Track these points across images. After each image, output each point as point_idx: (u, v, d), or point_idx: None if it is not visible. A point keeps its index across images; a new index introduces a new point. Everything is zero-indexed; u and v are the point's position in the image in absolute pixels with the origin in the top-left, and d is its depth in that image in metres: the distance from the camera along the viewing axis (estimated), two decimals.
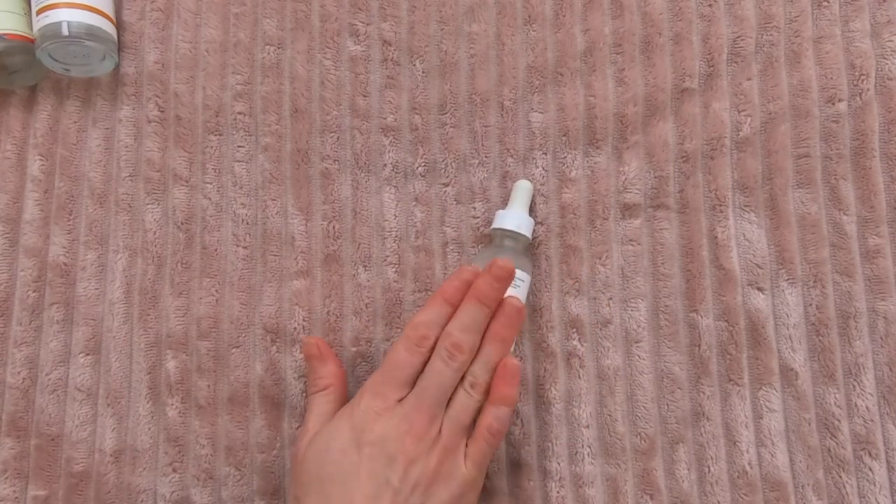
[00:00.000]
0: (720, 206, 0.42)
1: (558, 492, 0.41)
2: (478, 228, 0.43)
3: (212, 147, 0.46)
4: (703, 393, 0.41)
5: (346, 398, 0.39)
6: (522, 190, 0.42)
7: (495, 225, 0.41)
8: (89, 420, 0.44)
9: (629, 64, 0.43)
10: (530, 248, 0.43)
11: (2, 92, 0.47)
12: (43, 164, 0.46)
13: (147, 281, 0.45)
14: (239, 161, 0.45)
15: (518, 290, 0.40)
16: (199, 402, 0.44)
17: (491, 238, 0.42)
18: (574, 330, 0.42)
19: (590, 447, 0.41)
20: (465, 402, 0.36)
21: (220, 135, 0.46)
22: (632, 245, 0.42)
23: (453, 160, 0.44)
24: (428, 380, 0.36)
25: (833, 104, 0.41)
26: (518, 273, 0.40)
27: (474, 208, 0.44)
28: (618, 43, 0.44)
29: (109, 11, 0.45)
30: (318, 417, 0.38)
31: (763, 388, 0.40)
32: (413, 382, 0.37)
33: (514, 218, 0.41)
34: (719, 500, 0.40)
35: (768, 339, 0.40)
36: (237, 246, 0.45)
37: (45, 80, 0.47)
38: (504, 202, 0.43)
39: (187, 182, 0.46)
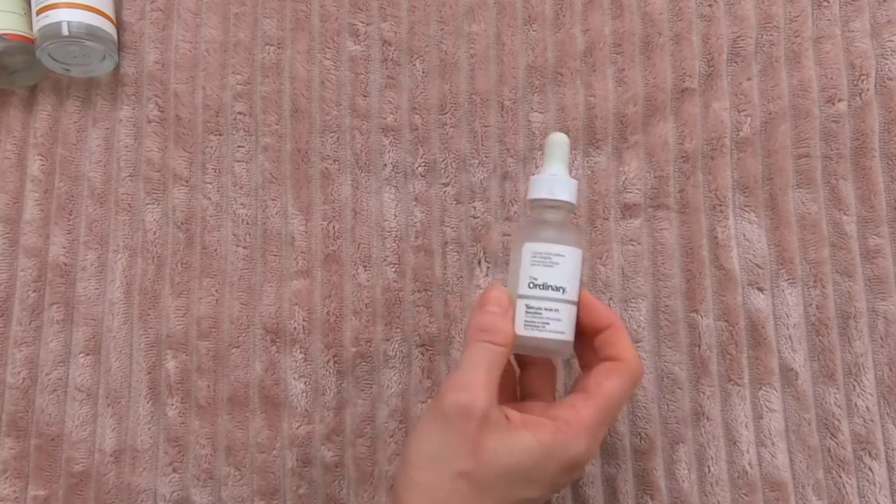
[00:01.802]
0: (720, 206, 0.42)
1: (558, 492, 0.41)
2: (478, 228, 0.43)
3: (212, 147, 0.46)
4: (703, 393, 0.41)
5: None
6: (556, 146, 0.34)
7: (529, 195, 0.35)
8: (89, 420, 0.44)
9: (629, 64, 0.43)
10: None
11: (2, 92, 0.47)
12: (43, 164, 0.46)
13: (147, 281, 0.45)
14: (239, 161, 0.45)
15: (559, 268, 0.33)
16: (199, 402, 0.44)
17: (529, 210, 0.36)
18: None
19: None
20: None
21: (220, 135, 0.46)
22: (632, 245, 0.42)
23: (453, 160, 0.44)
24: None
25: (833, 104, 0.41)
26: (553, 249, 0.33)
27: (474, 208, 0.44)
28: (618, 43, 0.44)
29: (109, 11, 0.45)
30: (488, 373, 0.31)
31: (763, 388, 0.40)
32: None
33: (548, 183, 0.34)
34: (719, 500, 0.40)
35: (768, 339, 0.40)
36: (237, 246, 0.45)
37: (45, 80, 0.47)
38: (503, 202, 0.43)
39: (187, 182, 0.46)
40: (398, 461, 0.32)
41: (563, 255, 0.33)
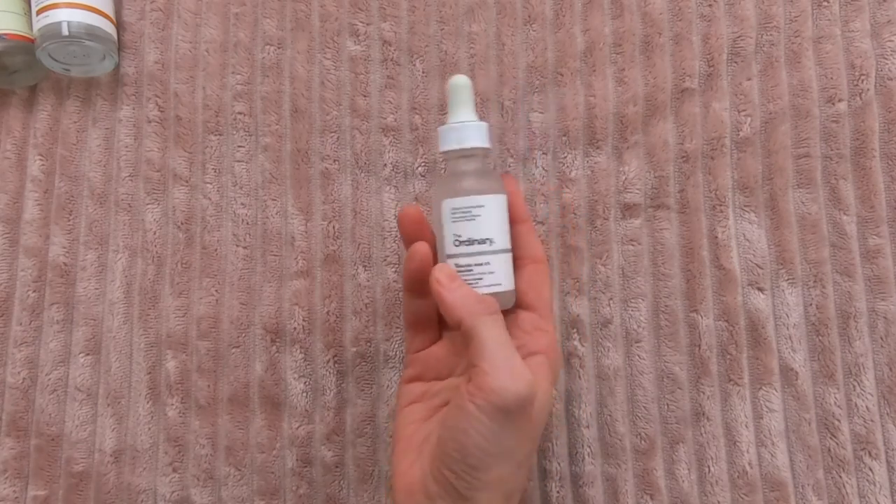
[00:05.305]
0: (720, 206, 0.42)
1: (558, 492, 0.41)
2: None
3: (212, 147, 0.46)
4: (703, 393, 0.41)
5: None
6: (457, 90, 0.32)
7: (440, 147, 0.33)
8: (89, 420, 0.44)
9: (629, 64, 0.43)
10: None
11: (2, 92, 0.47)
12: (43, 164, 0.46)
13: (147, 281, 0.45)
14: (239, 161, 0.45)
15: (481, 219, 0.32)
16: (199, 402, 0.44)
17: (444, 164, 0.35)
18: (574, 330, 0.42)
19: (590, 447, 0.41)
20: None
21: (220, 135, 0.46)
22: (632, 245, 0.42)
23: None
24: None
25: (833, 104, 0.41)
26: (470, 202, 0.32)
27: None
28: (618, 43, 0.44)
29: (109, 11, 0.45)
30: (514, 348, 0.30)
31: (763, 388, 0.40)
32: None
33: (456, 132, 0.32)
34: (719, 500, 0.40)
35: (768, 339, 0.40)
36: (237, 246, 0.45)
37: (45, 80, 0.47)
38: None
39: (187, 182, 0.46)
40: (439, 461, 0.29)
41: (484, 206, 0.32)
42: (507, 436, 0.28)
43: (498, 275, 0.32)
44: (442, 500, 0.29)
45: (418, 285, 0.33)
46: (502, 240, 0.32)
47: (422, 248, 0.32)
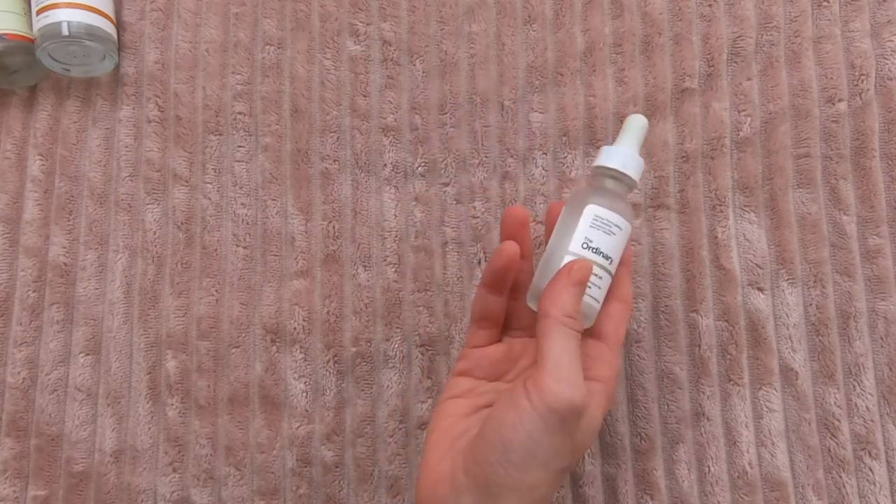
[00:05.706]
0: (720, 206, 0.42)
1: (558, 491, 0.41)
2: (478, 228, 0.43)
3: (212, 147, 0.46)
4: (703, 393, 0.41)
5: None
6: (634, 126, 0.35)
7: (598, 161, 0.35)
8: (89, 420, 0.44)
9: (629, 64, 0.43)
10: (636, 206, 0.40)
11: (2, 92, 0.47)
12: (43, 164, 0.46)
13: (147, 281, 0.45)
14: (239, 161, 0.45)
15: (614, 238, 0.33)
16: (199, 402, 0.44)
17: (592, 176, 0.36)
18: None
19: (590, 447, 0.41)
20: None
21: (220, 135, 0.46)
22: (632, 245, 0.42)
23: (453, 160, 0.44)
24: None
25: (833, 104, 0.41)
26: (615, 218, 0.33)
27: (474, 208, 0.44)
28: (618, 43, 0.44)
29: (109, 11, 0.45)
30: (579, 363, 0.31)
31: (763, 388, 0.40)
32: None
33: (621, 156, 0.34)
34: (719, 500, 0.40)
35: (768, 339, 0.40)
36: (237, 246, 0.45)
37: (45, 80, 0.47)
38: (503, 202, 0.43)
39: (187, 182, 0.46)
40: (477, 452, 0.29)
41: (621, 228, 0.34)
42: (550, 440, 0.29)
43: (601, 292, 0.33)
44: (469, 494, 0.29)
45: (497, 282, 0.34)
46: (615, 266, 0.34)
47: (512, 248, 0.34)
